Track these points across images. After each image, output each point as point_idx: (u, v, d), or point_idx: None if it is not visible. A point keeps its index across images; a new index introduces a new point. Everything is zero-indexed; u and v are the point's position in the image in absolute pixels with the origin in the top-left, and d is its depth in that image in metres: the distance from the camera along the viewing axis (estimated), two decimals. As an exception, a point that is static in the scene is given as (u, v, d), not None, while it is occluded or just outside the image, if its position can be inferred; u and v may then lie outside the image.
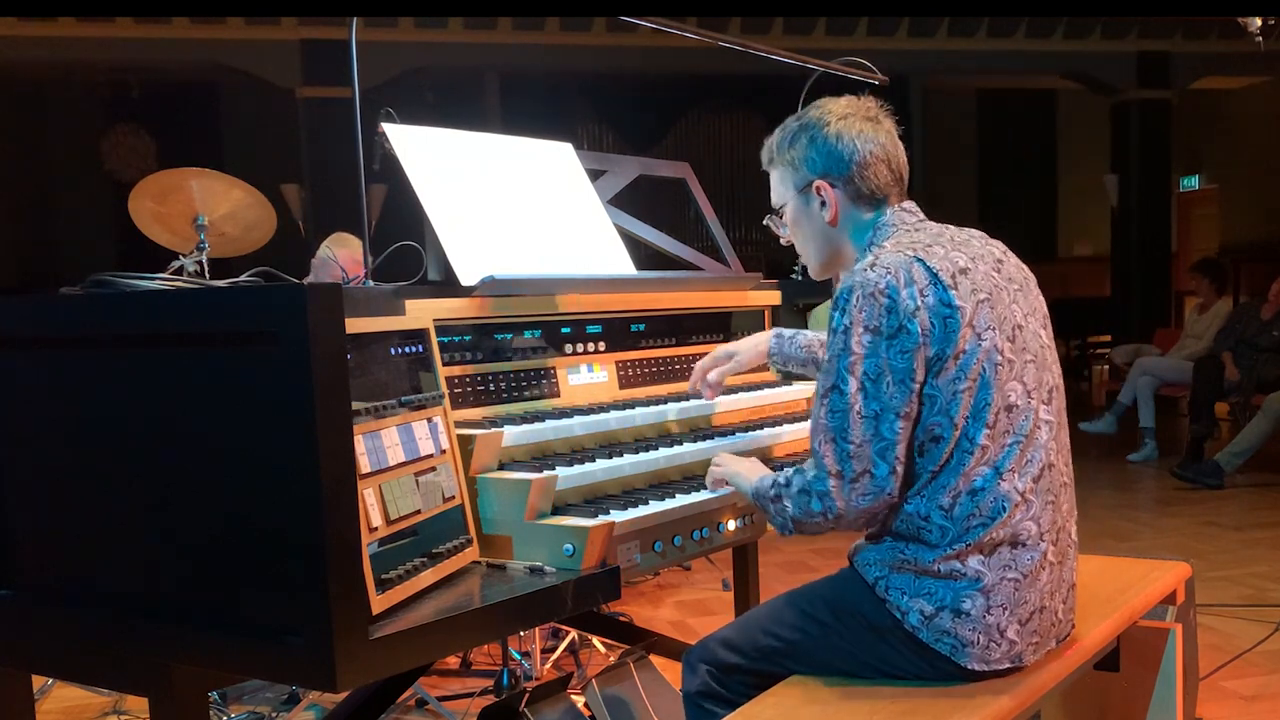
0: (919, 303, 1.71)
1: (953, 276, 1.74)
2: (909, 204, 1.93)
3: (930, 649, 1.77)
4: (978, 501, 1.74)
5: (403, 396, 1.62)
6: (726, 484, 2.00)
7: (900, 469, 1.73)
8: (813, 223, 1.95)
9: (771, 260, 10.48)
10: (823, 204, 1.92)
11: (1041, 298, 1.93)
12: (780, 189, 1.99)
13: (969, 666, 1.77)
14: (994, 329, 1.75)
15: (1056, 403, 1.85)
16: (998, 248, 1.90)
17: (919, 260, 1.75)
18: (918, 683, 1.80)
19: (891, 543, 1.81)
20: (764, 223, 2.07)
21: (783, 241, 2.05)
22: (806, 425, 2.38)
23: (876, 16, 9.95)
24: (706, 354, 2.32)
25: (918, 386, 1.72)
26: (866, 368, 1.71)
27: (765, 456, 2.28)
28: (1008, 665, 1.79)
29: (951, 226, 1.92)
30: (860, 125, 1.89)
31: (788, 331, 2.35)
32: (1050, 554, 1.80)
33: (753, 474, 1.94)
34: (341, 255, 3.73)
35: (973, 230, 1.93)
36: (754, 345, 2.30)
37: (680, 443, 2.16)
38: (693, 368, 2.32)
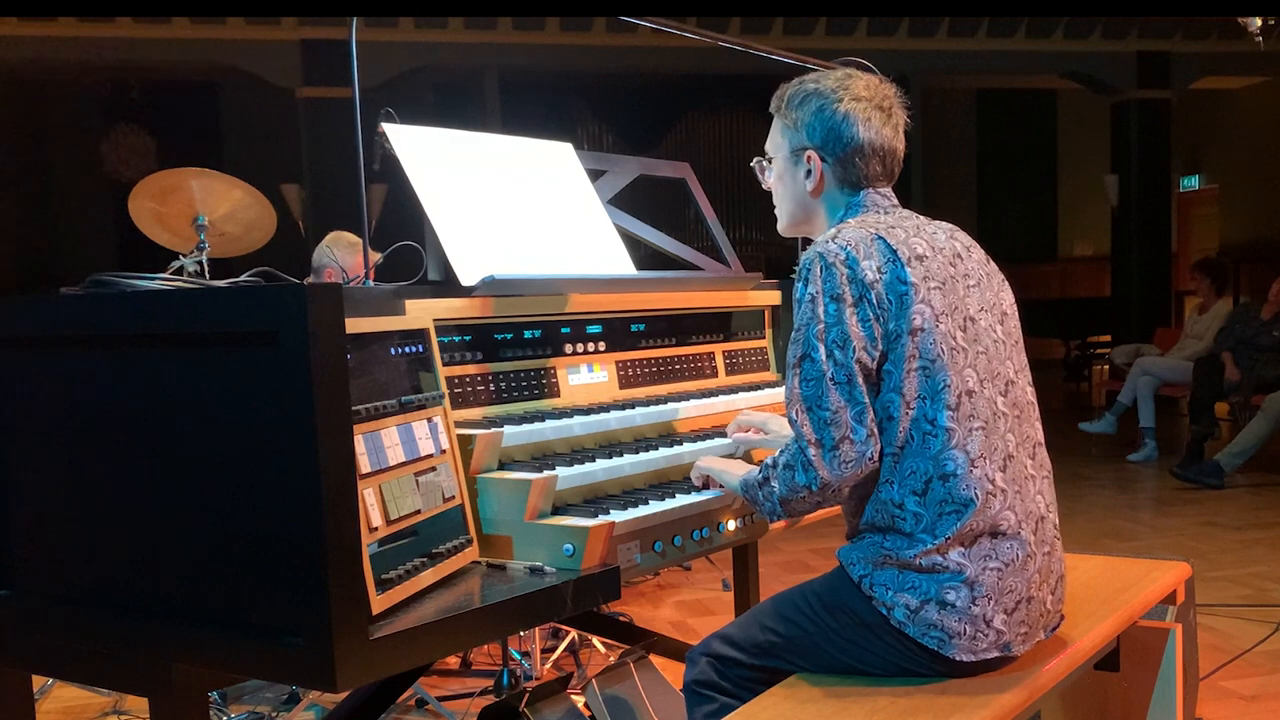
0: (875, 276, 1.75)
1: (909, 258, 1.78)
2: (885, 189, 1.95)
3: (916, 643, 1.78)
4: (950, 488, 1.75)
5: (403, 396, 1.63)
6: (712, 481, 2.00)
7: (877, 432, 1.75)
8: (795, 185, 1.97)
9: (771, 260, 10.50)
10: (808, 173, 1.94)
11: (1005, 294, 1.95)
12: (776, 140, 2.00)
13: (956, 658, 1.77)
14: (947, 314, 1.78)
15: (1014, 396, 1.85)
16: (961, 242, 1.92)
17: (879, 238, 1.79)
18: (914, 680, 1.80)
19: (870, 537, 1.82)
20: (751, 164, 2.09)
21: (763, 186, 2.06)
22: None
23: (876, 16, 9.94)
24: (744, 410, 2.29)
25: (879, 355, 1.75)
26: (833, 335, 1.74)
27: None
28: (996, 654, 1.79)
29: (922, 217, 1.94)
30: (870, 113, 1.90)
31: None
32: (1032, 544, 1.81)
33: (739, 468, 1.96)
34: (342, 257, 3.73)
35: (942, 223, 1.95)
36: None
37: (680, 443, 2.16)
38: (692, 368, 2.32)
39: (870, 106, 1.90)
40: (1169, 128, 11.15)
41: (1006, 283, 1.97)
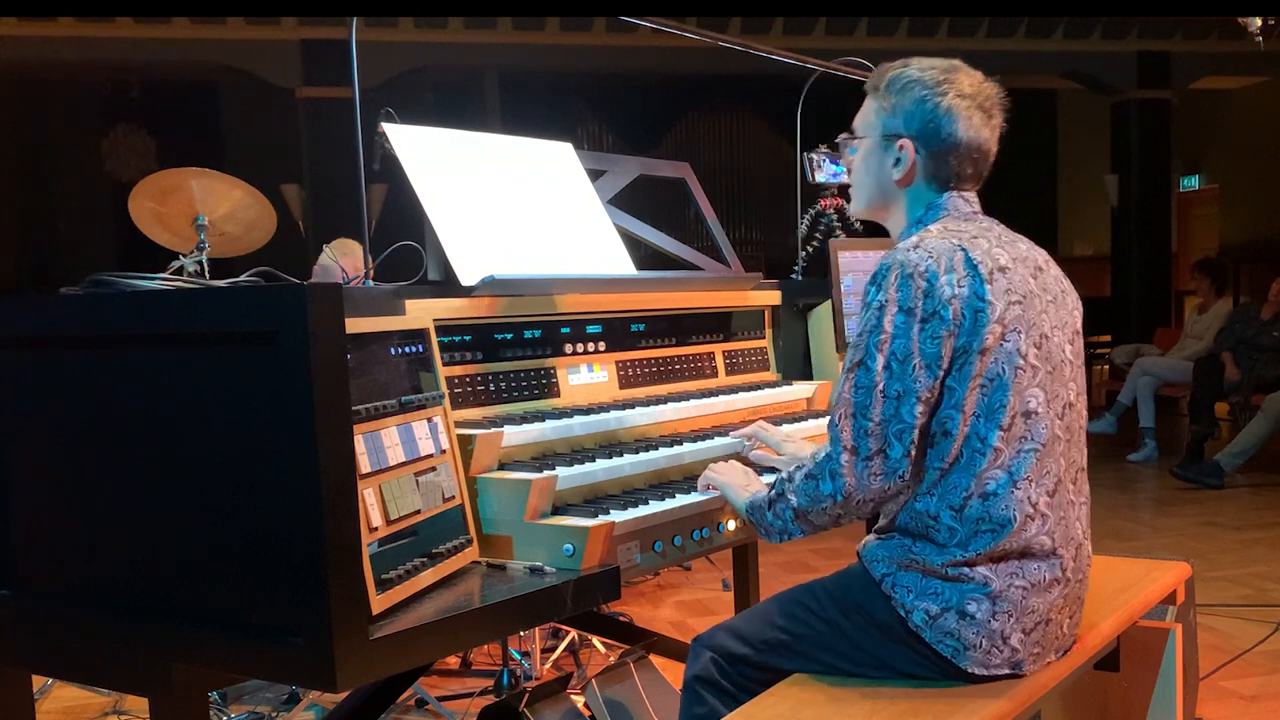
0: (955, 291, 1.70)
1: (990, 272, 1.73)
2: (970, 193, 1.91)
3: (931, 649, 1.77)
4: (989, 507, 1.73)
5: (403, 396, 1.62)
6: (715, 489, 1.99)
7: (914, 454, 1.72)
8: (881, 171, 1.91)
9: (771, 260, 10.49)
10: (898, 161, 1.88)
11: (1078, 312, 1.91)
12: (869, 119, 1.92)
13: (968, 670, 1.77)
14: (1020, 332, 1.74)
15: (1069, 419, 1.82)
16: (1040, 255, 1.88)
17: (962, 249, 1.74)
18: (916, 682, 1.80)
19: (900, 540, 1.80)
20: (838, 139, 2.03)
21: (842, 162, 2.01)
22: (804, 425, 2.40)
23: (876, 16, 9.94)
24: (760, 418, 2.31)
25: (942, 374, 1.71)
26: (895, 348, 1.71)
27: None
28: (1007, 671, 1.78)
29: (1001, 225, 1.89)
30: (972, 111, 1.85)
31: None
32: (1068, 570, 1.80)
33: (747, 488, 1.94)
34: (345, 262, 3.73)
35: (1020, 235, 1.91)
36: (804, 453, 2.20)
37: (680, 443, 2.16)
38: (692, 368, 2.32)
39: (973, 105, 1.85)
40: (1169, 128, 11.14)
41: (1080, 302, 1.94)
